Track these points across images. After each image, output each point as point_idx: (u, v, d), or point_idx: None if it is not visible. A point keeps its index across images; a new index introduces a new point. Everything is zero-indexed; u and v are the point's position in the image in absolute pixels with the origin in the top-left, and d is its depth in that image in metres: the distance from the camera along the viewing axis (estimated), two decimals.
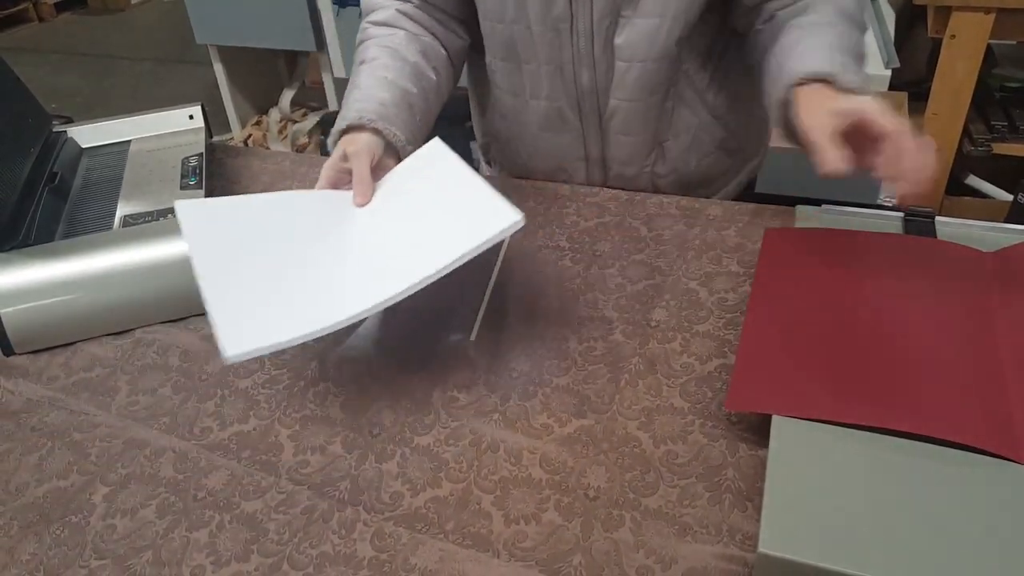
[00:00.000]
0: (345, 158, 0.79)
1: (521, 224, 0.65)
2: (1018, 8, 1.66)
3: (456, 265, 0.65)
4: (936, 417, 0.56)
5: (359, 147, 0.78)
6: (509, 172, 1.08)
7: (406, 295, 0.64)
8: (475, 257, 0.71)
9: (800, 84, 0.72)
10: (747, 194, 1.09)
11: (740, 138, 1.01)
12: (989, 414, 0.56)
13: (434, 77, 0.90)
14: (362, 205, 0.78)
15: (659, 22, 0.84)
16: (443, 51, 0.93)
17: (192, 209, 0.74)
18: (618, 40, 0.86)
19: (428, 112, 0.89)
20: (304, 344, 0.77)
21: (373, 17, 0.92)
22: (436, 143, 0.81)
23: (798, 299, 0.70)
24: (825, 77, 0.71)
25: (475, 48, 0.98)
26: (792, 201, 0.87)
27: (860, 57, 0.78)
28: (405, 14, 0.91)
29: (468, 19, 0.94)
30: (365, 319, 0.63)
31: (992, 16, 1.68)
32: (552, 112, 0.95)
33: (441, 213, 0.73)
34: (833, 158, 0.64)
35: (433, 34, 0.93)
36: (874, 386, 0.60)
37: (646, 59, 0.87)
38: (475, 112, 1.11)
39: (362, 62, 0.88)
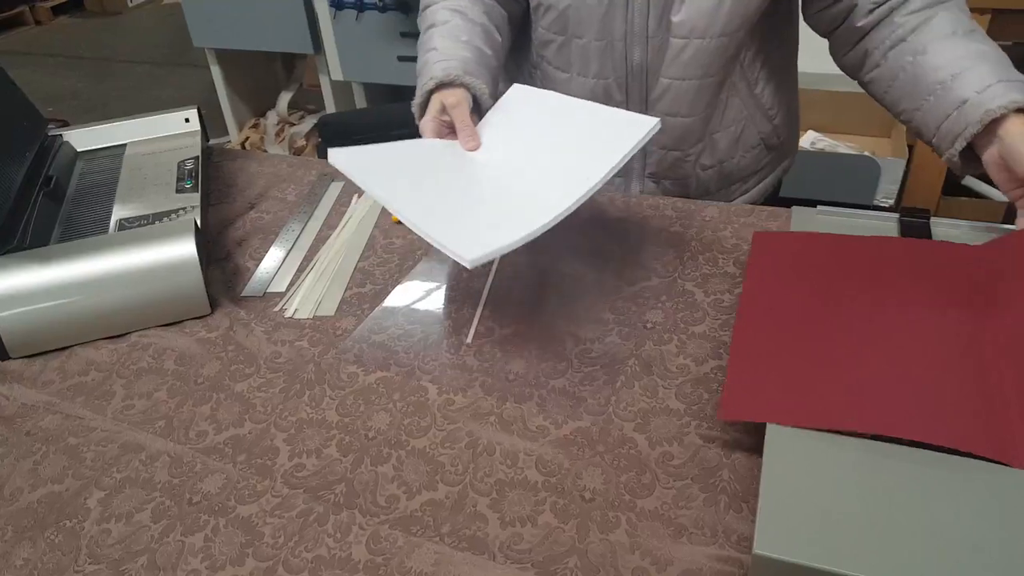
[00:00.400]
0: (443, 111, 0.83)
1: (659, 127, 0.72)
2: (1015, 9, 1.66)
3: (615, 170, 0.70)
4: (930, 423, 0.56)
5: (458, 98, 0.82)
6: None
7: (583, 201, 0.69)
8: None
9: (1002, 116, 0.70)
10: (773, 197, 1.10)
11: (782, 133, 1.01)
12: (983, 418, 0.56)
13: (499, 38, 0.93)
14: (473, 150, 0.82)
15: (719, 0, 0.84)
16: (503, 12, 0.96)
17: (346, 156, 0.78)
18: (676, 17, 0.86)
19: (499, 71, 0.92)
20: (298, 347, 0.78)
21: None
22: (517, 88, 0.87)
23: (788, 304, 0.69)
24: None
25: (526, 22, 0.99)
26: (812, 204, 0.86)
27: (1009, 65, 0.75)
28: None
29: None
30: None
31: (988, 17, 1.68)
32: (599, 90, 0.94)
33: (574, 134, 0.79)
34: None
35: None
36: (867, 393, 0.59)
37: (704, 36, 0.87)
38: None
39: (432, 25, 0.91)
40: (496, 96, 0.88)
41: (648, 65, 0.91)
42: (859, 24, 0.84)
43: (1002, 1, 1.66)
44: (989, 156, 0.73)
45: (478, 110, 0.86)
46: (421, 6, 0.97)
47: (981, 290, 0.67)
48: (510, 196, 0.74)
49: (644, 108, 0.95)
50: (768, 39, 0.94)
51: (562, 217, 0.68)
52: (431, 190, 0.77)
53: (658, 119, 0.72)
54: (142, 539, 0.60)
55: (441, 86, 0.83)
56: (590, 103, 0.83)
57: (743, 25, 0.87)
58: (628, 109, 0.95)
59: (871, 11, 0.83)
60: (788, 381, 0.61)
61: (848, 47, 0.88)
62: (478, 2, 0.93)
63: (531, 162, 0.78)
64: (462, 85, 0.83)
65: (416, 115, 0.87)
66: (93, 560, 0.59)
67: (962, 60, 0.75)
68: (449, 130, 0.84)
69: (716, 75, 0.91)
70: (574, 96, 0.94)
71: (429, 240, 0.67)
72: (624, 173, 1.01)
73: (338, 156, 0.77)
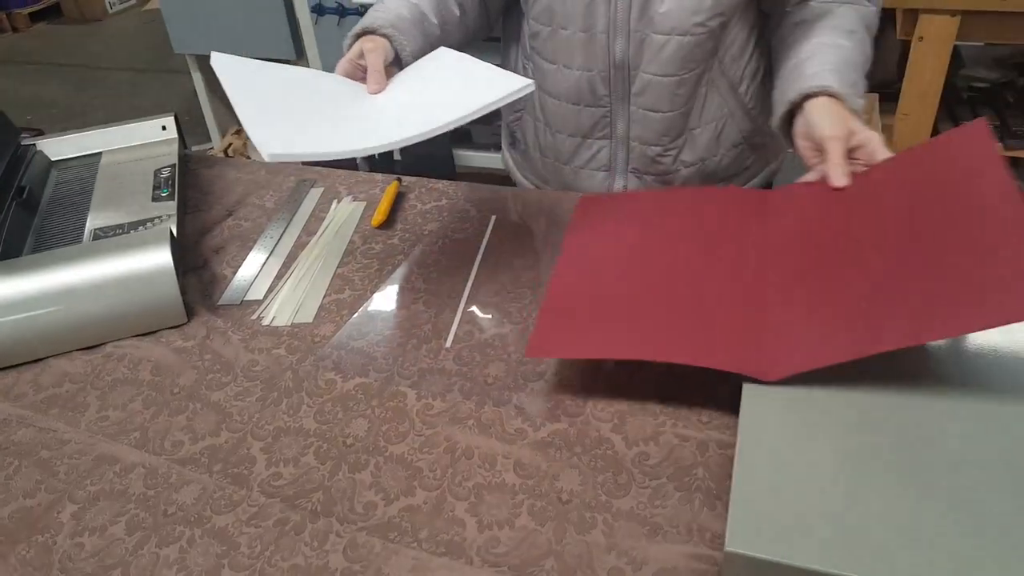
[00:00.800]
0: (361, 56, 0.85)
1: (531, 88, 0.75)
2: (983, 10, 1.69)
3: (474, 116, 0.73)
4: (697, 350, 0.64)
5: (376, 44, 0.85)
6: (533, 150, 1.09)
7: (427, 136, 0.71)
8: (451, 264, 0.78)
9: (814, 94, 0.81)
10: None
11: (765, 133, 1.02)
12: (744, 341, 0.64)
13: (457, 12, 0.96)
14: (375, 92, 0.84)
15: None
16: None
17: (227, 59, 0.81)
18: (659, 10, 0.87)
19: (442, 42, 0.93)
20: (276, 355, 0.77)
21: None
22: (442, 50, 0.90)
23: (600, 257, 0.79)
24: (836, 95, 0.80)
25: (519, 12, 1.00)
26: None
27: (866, 71, 0.87)
28: None
29: None
30: None
31: (958, 18, 1.70)
32: (583, 83, 0.95)
33: (457, 83, 0.82)
34: (844, 173, 0.76)
35: None
36: (652, 328, 0.68)
37: (685, 32, 0.88)
38: None
39: None
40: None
41: (630, 60, 0.92)
42: (788, 8, 0.93)
43: (971, 3, 1.68)
44: (796, 127, 0.84)
45: (398, 64, 0.89)
46: None
47: (765, 225, 0.77)
48: (349, 119, 0.78)
49: (627, 103, 0.95)
50: (753, 39, 0.95)
51: (384, 148, 0.71)
52: (282, 97, 0.80)
53: (531, 82, 0.77)
54: (116, 552, 0.60)
55: (366, 32, 0.87)
56: (488, 65, 0.84)
57: (723, 19, 0.89)
58: (612, 104, 0.96)
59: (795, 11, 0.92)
60: (588, 323, 0.70)
61: (776, 20, 0.95)
62: None
63: (396, 100, 0.82)
64: (385, 36, 0.87)
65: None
66: (65, 574, 0.58)
67: (819, 48, 0.85)
68: (363, 74, 0.87)
69: (696, 70, 0.92)
70: (561, 89, 0.97)
71: (242, 122, 0.71)
72: (608, 168, 1.02)
73: (219, 60, 0.80)
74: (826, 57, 0.84)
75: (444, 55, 0.89)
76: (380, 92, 0.84)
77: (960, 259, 0.60)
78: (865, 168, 0.77)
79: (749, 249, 0.74)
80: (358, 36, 0.88)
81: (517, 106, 1.08)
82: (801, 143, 0.83)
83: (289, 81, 0.85)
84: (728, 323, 0.67)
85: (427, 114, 0.75)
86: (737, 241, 0.76)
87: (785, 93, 0.85)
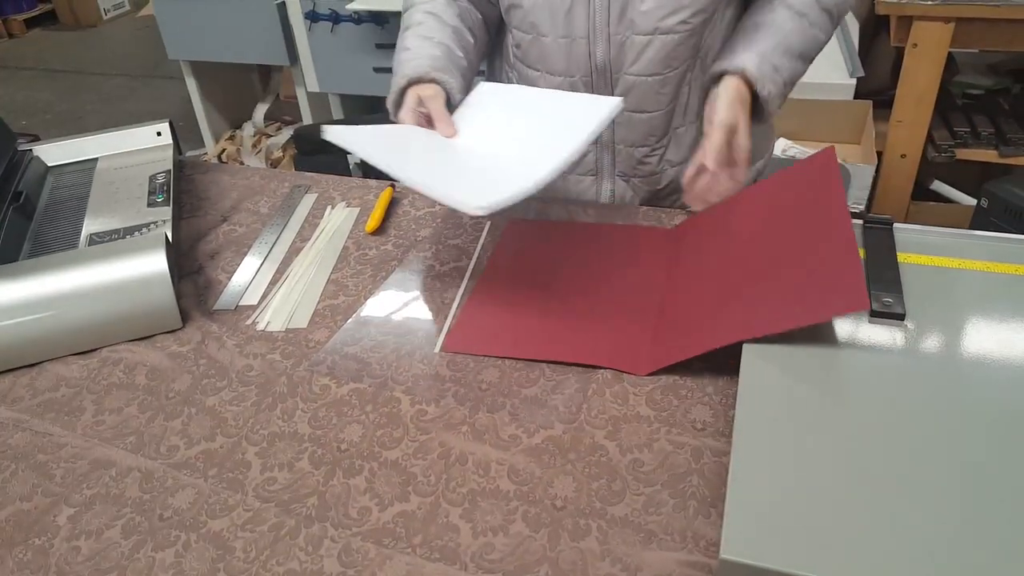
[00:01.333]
0: (420, 103, 0.87)
1: (621, 106, 0.80)
2: (976, 18, 1.70)
3: (586, 144, 0.78)
4: (585, 350, 0.74)
5: (434, 91, 0.87)
6: None
7: (558, 171, 0.75)
8: (445, 270, 0.81)
9: (728, 74, 0.86)
10: None
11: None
12: (625, 344, 0.75)
13: (472, 40, 0.97)
14: (450, 137, 0.86)
15: None
16: (478, 15, 0.99)
17: (342, 132, 0.80)
18: (639, 9, 0.87)
19: (469, 71, 0.95)
20: (271, 360, 0.77)
21: None
22: (484, 84, 0.92)
23: (519, 272, 0.87)
24: (748, 79, 0.85)
25: (502, 23, 1.01)
26: None
27: (805, 58, 0.91)
28: None
29: None
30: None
31: (952, 25, 1.72)
32: (566, 87, 0.96)
33: (544, 118, 0.86)
34: (715, 160, 0.83)
35: (471, 1, 0.99)
36: (555, 333, 0.77)
37: (668, 31, 0.89)
38: None
39: (407, 27, 0.96)
40: (465, 94, 0.92)
41: (611, 63, 0.92)
42: None
43: (966, 11, 1.69)
44: (707, 101, 0.89)
45: (448, 105, 0.89)
46: (402, 7, 1.01)
47: (669, 254, 0.87)
48: (497, 163, 0.80)
49: None
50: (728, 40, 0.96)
51: (544, 181, 0.73)
52: (424, 159, 0.82)
53: (620, 99, 0.81)
54: (112, 556, 0.60)
55: (413, 83, 0.88)
56: (554, 91, 0.90)
57: (705, 15, 0.89)
58: None
59: None
60: (499, 327, 0.79)
61: None
62: (452, 4, 0.96)
63: (508, 141, 0.84)
64: (433, 80, 0.88)
65: (391, 112, 0.90)
66: None
67: (757, 27, 0.89)
68: (426, 121, 0.87)
69: (679, 68, 0.93)
70: (452, 30, 0.97)
71: (434, 196, 0.75)
72: (595, 172, 1.02)
73: (333, 132, 0.80)
74: (757, 37, 0.88)
75: (493, 89, 0.92)
76: (454, 136, 0.86)
77: (793, 270, 0.71)
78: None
79: (645, 271, 0.85)
80: (405, 87, 0.88)
81: None
82: (705, 117, 0.87)
83: (400, 141, 0.85)
84: (617, 331, 0.77)
85: (546, 151, 0.77)
86: (635, 265, 0.86)
87: (716, 64, 0.89)
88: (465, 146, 0.84)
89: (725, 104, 0.84)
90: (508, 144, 0.83)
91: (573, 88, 0.95)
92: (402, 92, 0.89)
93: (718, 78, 0.87)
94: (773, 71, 0.86)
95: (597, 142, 1.00)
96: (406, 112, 0.87)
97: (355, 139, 0.80)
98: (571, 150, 0.76)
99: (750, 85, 0.86)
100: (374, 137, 0.83)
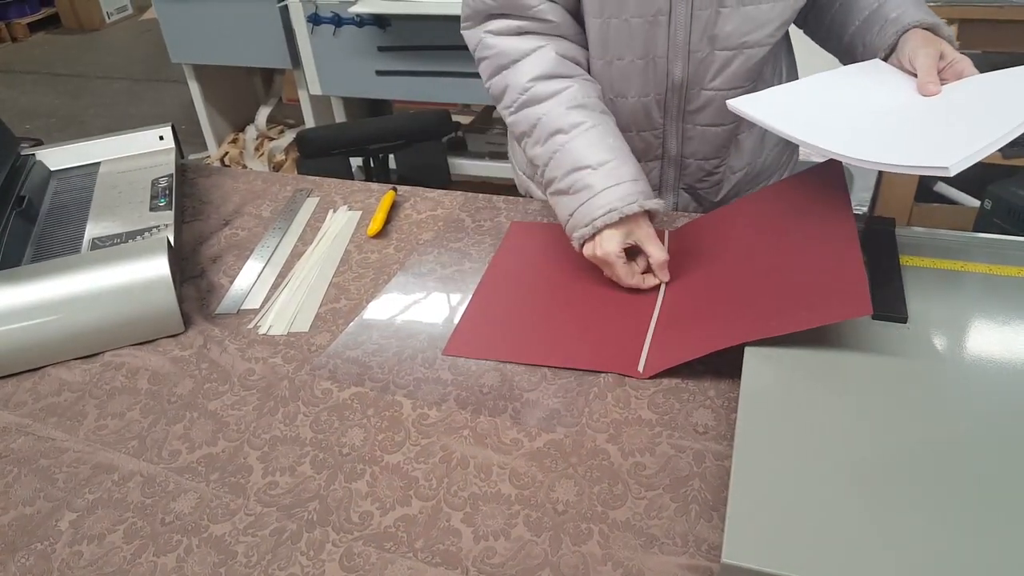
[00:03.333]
0: (629, 235, 0.81)
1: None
2: (980, 19, 1.70)
3: None
4: (583, 357, 0.75)
5: (646, 228, 0.82)
6: None
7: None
8: (447, 273, 0.81)
9: (909, 29, 0.82)
10: None
11: None
12: (626, 347, 0.75)
13: (611, 114, 0.89)
14: (666, 280, 0.83)
15: (768, 7, 0.84)
16: (600, 85, 0.90)
17: (751, 104, 0.77)
18: (724, 28, 0.85)
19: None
20: (273, 364, 0.78)
21: (531, 73, 0.86)
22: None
23: (520, 276, 0.87)
24: (930, 27, 0.82)
25: None
26: None
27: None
28: (563, 56, 0.87)
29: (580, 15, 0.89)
30: None
31: (956, 26, 1.71)
32: (638, 109, 0.93)
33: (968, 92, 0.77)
34: (932, 82, 0.77)
35: (579, 62, 0.89)
36: (555, 337, 0.78)
37: (755, 45, 0.87)
38: None
39: (558, 131, 0.84)
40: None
41: (688, 79, 0.90)
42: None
43: (969, 12, 1.69)
44: (891, 61, 0.84)
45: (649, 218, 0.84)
46: (512, 98, 0.88)
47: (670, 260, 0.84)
48: (944, 120, 0.73)
49: (681, 122, 0.94)
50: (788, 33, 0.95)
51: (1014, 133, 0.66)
52: (858, 122, 0.75)
53: None
54: (114, 560, 0.60)
55: (625, 219, 0.81)
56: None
57: (786, 26, 0.88)
58: (665, 124, 0.94)
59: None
60: (501, 331, 0.79)
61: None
62: (586, 85, 0.87)
63: (944, 102, 0.77)
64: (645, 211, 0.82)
65: (580, 240, 0.83)
66: None
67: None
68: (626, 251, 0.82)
69: (757, 80, 0.92)
70: (613, 120, 0.89)
71: (888, 167, 0.67)
72: (658, 187, 1.01)
73: (741, 105, 0.77)
74: (906, 4, 0.84)
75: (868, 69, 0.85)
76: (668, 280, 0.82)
77: (797, 274, 0.72)
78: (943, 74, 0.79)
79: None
80: (612, 223, 0.80)
81: None
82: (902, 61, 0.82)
83: (818, 102, 0.79)
84: (617, 335, 0.77)
85: (1005, 102, 0.71)
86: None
87: (878, 38, 0.85)
88: (888, 101, 0.78)
89: (920, 45, 0.79)
90: (943, 105, 0.76)
91: (645, 109, 0.92)
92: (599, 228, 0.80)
93: (894, 43, 0.83)
94: (935, 18, 0.83)
95: (663, 158, 0.97)
96: (616, 259, 0.80)
97: (769, 111, 0.74)
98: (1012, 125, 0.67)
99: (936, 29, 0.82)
100: (785, 104, 0.77)
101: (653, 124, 0.95)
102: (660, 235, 0.88)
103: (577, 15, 0.88)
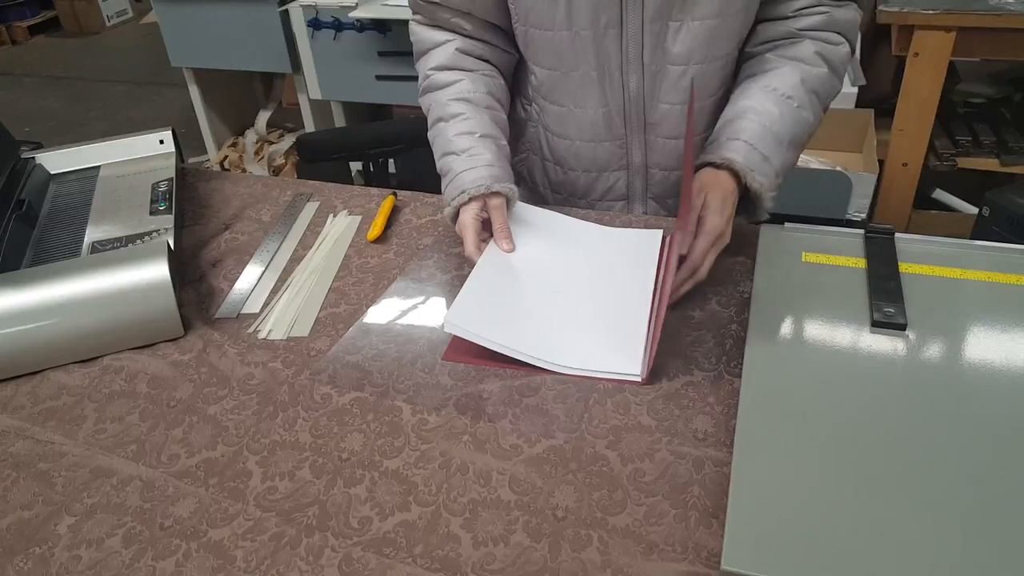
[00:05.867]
0: (483, 209, 0.86)
1: (638, 378, 0.73)
2: (978, 27, 1.70)
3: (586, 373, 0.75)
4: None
5: (498, 202, 0.87)
6: (543, 188, 1.07)
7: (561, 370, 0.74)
8: (446, 279, 0.81)
9: (715, 166, 0.83)
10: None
11: None
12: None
13: (503, 111, 0.96)
14: (508, 251, 0.87)
15: (718, 23, 0.85)
16: (501, 80, 0.97)
17: (461, 320, 0.77)
18: (675, 42, 0.86)
19: (508, 148, 0.94)
20: (272, 368, 0.78)
21: (433, 62, 0.95)
22: (520, 205, 0.91)
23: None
24: (736, 171, 0.82)
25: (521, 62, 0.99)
26: (785, 220, 0.88)
27: (795, 144, 0.87)
28: (463, 51, 0.94)
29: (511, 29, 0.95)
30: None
31: (954, 35, 1.72)
32: (598, 120, 0.95)
33: (607, 257, 0.87)
34: (702, 266, 0.80)
35: (488, 61, 0.96)
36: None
37: (703, 61, 0.88)
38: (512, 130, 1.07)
39: (439, 119, 0.92)
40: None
41: (645, 93, 0.91)
42: (750, 50, 0.92)
43: (968, 20, 1.70)
44: (697, 175, 0.85)
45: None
46: (420, 88, 0.98)
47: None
48: (605, 322, 0.79)
49: (644, 133, 0.95)
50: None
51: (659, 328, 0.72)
52: (540, 326, 0.79)
53: (662, 229, 0.85)
54: (113, 565, 0.60)
55: (475, 198, 0.86)
56: (593, 225, 0.92)
57: (739, 41, 0.89)
58: (628, 135, 0.96)
59: (761, 43, 0.91)
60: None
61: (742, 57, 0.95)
62: (478, 80, 0.94)
63: (590, 287, 0.84)
64: (496, 193, 0.86)
65: (449, 217, 0.88)
66: None
67: (745, 112, 0.86)
68: (485, 228, 0.87)
69: (714, 94, 0.93)
70: (573, 129, 0.96)
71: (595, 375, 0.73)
72: (626, 197, 1.02)
73: (455, 325, 0.77)
74: (743, 125, 0.85)
75: (529, 212, 0.92)
76: (512, 251, 0.86)
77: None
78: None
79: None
80: (464, 203, 0.86)
81: (521, 148, 1.06)
82: (695, 194, 0.82)
83: (506, 304, 0.82)
84: (618, 340, 0.76)
85: (633, 294, 0.81)
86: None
87: (702, 153, 0.87)
88: (557, 293, 0.83)
89: (716, 210, 0.80)
90: (593, 291, 0.83)
91: (606, 119, 0.94)
92: (459, 207, 0.87)
93: (702, 167, 0.85)
94: (763, 161, 0.83)
95: (628, 168, 0.99)
96: (470, 221, 0.85)
97: (475, 324, 0.77)
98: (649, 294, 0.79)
99: (739, 177, 0.82)
100: (481, 309, 0.80)
101: (615, 135, 0.96)
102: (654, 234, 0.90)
103: (500, 25, 0.94)
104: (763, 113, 0.85)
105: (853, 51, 0.91)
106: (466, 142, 0.89)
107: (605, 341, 0.77)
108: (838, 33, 0.88)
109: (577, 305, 0.81)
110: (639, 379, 0.72)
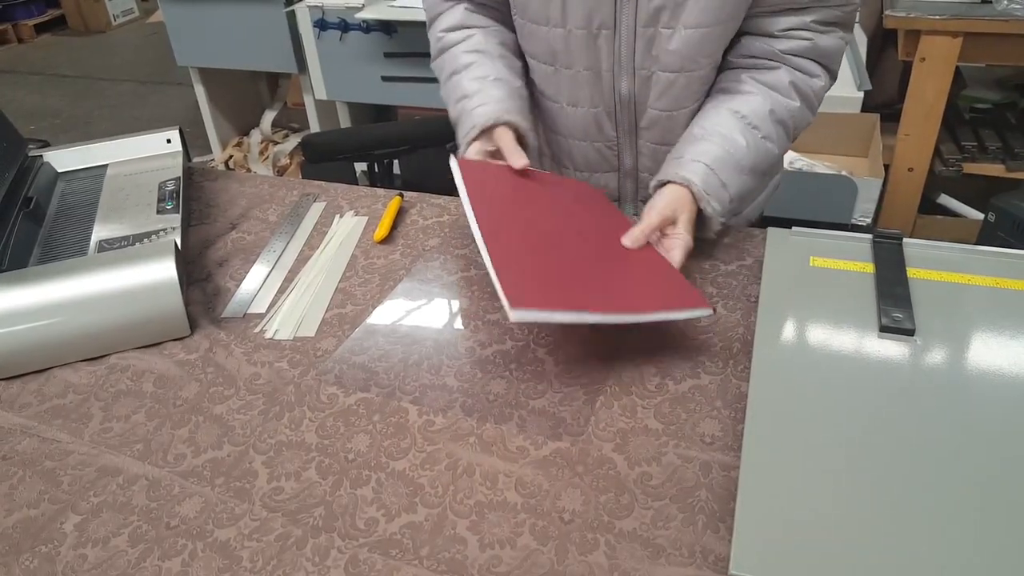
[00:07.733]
0: (490, 143, 0.87)
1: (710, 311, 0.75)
2: (985, 32, 1.70)
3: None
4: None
5: (502, 130, 0.86)
6: None
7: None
8: (453, 280, 0.78)
9: (674, 184, 0.83)
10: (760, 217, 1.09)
11: None
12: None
13: (518, 61, 0.97)
14: (521, 167, 0.84)
15: (708, 31, 0.84)
16: (513, 35, 0.98)
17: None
18: (666, 48, 0.86)
19: (527, 94, 0.95)
20: (278, 368, 0.78)
21: (443, 24, 0.98)
22: None
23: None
24: (693, 192, 0.82)
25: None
26: (791, 223, 0.87)
27: (756, 172, 0.88)
28: (473, 11, 0.97)
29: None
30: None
31: (960, 40, 1.72)
32: (589, 119, 0.95)
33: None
34: (636, 238, 0.80)
35: (489, 15, 0.98)
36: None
37: (693, 69, 0.88)
38: None
39: (454, 72, 0.94)
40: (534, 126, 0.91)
41: (636, 96, 0.91)
42: (730, 59, 0.91)
43: (973, 26, 1.70)
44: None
45: (521, 142, 0.88)
46: (433, 54, 1.00)
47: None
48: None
49: (634, 137, 0.96)
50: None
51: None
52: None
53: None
54: (119, 564, 0.60)
55: (485, 131, 0.87)
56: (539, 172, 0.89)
57: (723, 50, 0.89)
58: (618, 138, 0.96)
59: (741, 56, 0.90)
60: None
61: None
62: (490, 34, 0.96)
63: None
64: (506, 124, 0.87)
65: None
66: None
67: (710, 134, 0.86)
68: (491, 156, 0.88)
69: (699, 100, 0.92)
70: (566, 126, 0.97)
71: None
72: (617, 199, 1.02)
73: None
74: (706, 148, 0.84)
75: None
76: (526, 166, 0.84)
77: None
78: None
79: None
80: (475, 137, 0.87)
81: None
82: (665, 205, 0.82)
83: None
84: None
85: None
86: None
87: (663, 168, 0.86)
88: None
89: (665, 202, 0.81)
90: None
91: (597, 120, 0.95)
92: (471, 141, 0.87)
93: (661, 185, 0.84)
94: (720, 187, 0.83)
95: (619, 170, 1.00)
96: (474, 151, 0.86)
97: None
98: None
99: (696, 197, 0.82)
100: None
101: (606, 137, 0.97)
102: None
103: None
104: (728, 140, 0.85)
105: (835, 79, 0.91)
106: (478, 85, 0.90)
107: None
108: (819, 63, 0.88)
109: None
110: (711, 312, 0.74)
